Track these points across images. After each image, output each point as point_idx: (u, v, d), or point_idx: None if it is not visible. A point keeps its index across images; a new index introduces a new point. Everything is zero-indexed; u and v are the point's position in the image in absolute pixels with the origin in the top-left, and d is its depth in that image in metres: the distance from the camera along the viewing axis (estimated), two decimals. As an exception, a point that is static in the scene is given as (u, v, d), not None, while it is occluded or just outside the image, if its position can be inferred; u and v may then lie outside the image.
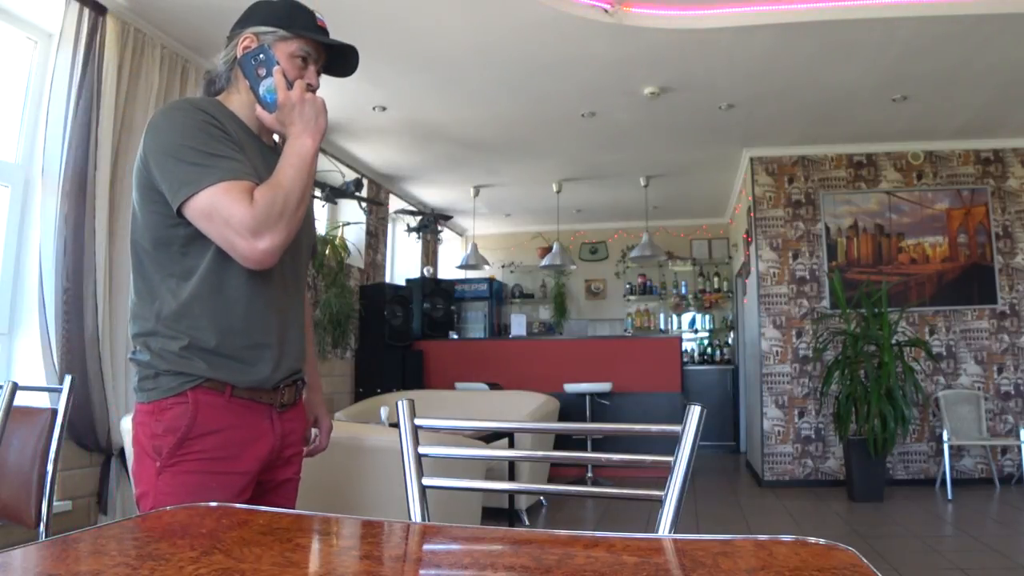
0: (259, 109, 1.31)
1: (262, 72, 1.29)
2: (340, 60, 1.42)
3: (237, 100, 1.35)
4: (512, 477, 3.97)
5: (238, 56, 1.32)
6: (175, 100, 1.33)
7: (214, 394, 1.24)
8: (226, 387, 1.25)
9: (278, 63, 1.29)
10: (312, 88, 1.33)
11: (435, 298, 7.39)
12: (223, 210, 1.15)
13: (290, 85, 1.28)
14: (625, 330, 8.83)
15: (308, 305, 1.66)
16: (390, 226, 7.19)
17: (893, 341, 5.15)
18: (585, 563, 0.62)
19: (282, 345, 1.33)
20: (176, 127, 1.20)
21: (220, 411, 1.25)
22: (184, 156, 1.17)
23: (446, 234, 8.76)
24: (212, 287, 1.24)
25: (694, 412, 0.92)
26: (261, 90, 1.29)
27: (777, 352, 5.77)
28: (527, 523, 4.30)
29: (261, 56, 1.29)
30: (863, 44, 4.02)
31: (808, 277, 5.83)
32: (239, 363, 1.26)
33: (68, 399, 1.67)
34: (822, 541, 0.65)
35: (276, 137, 1.44)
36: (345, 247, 5.93)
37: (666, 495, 0.91)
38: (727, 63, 4.27)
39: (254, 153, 1.30)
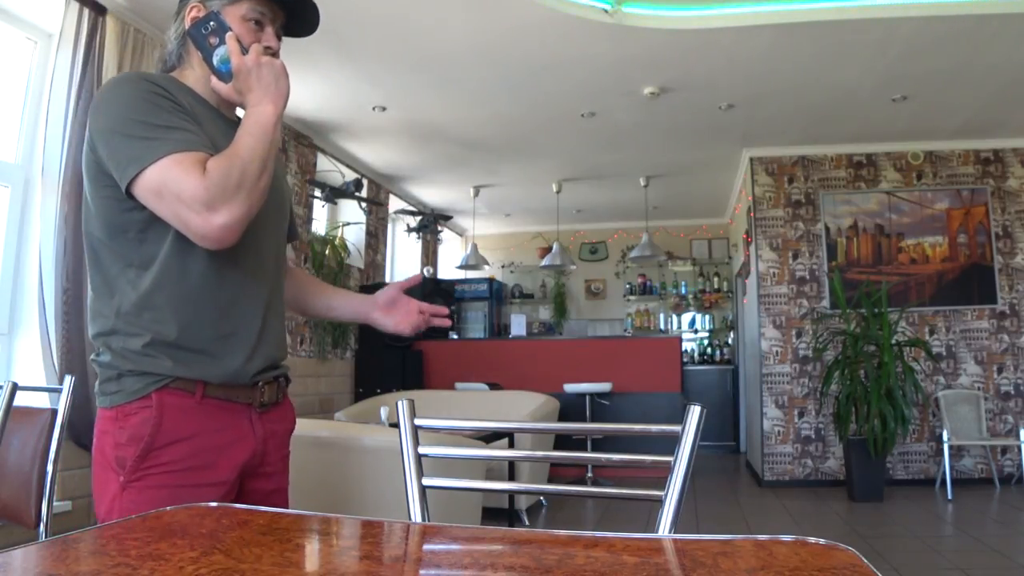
0: (215, 81, 1.20)
1: (214, 41, 1.18)
2: (299, 19, 1.31)
3: (192, 76, 1.25)
4: (512, 477, 3.97)
5: (187, 28, 1.22)
6: (121, 73, 1.24)
7: (182, 395, 1.13)
8: (197, 386, 1.14)
9: (231, 29, 1.18)
10: (272, 51, 1.22)
11: (435, 298, 7.39)
12: (173, 184, 1.04)
13: (246, 51, 1.17)
14: (625, 330, 8.83)
15: (301, 272, 1.57)
16: (390, 226, 7.20)
17: (893, 341, 5.15)
18: (585, 563, 0.62)
19: (257, 334, 1.21)
20: (121, 101, 1.10)
21: (189, 414, 1.14)
22: (131, 131, 1.07)
23: (446, 234, 8.76)
24: (174, 274, 1.13)
25: (694, 412, 0.92)
26: (215, 60, 1.18)
27: (777, 352, 5.77)
28: (527, 523, 4.29)
29: (211, 24, 1.18)
30: (863, 44, 4.02)
31: (808, 277, 5.83)
32: (207, 356, 1.15)
33: (68, 399, 1.67)
34: (822, 541, 0.65)
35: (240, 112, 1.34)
36: (345, 247, 5.93)
37: (666, 495, 0.91)
38: (727, 63, 4.27)
39: (214, 128, 1.20)
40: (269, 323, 1.25)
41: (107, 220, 1.13)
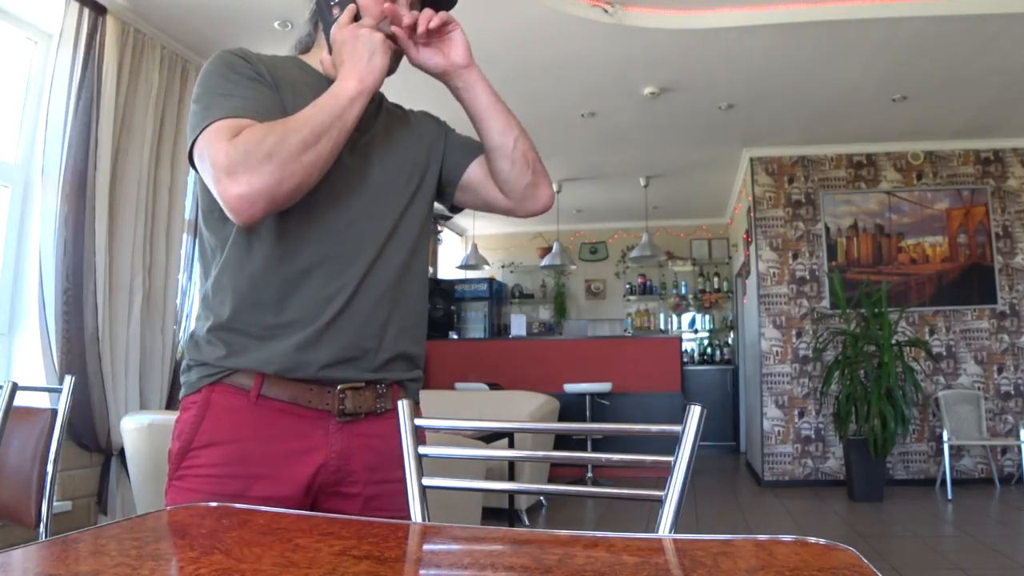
0: (324, 54, 1.11)
1: (336, 13, 1.09)
2: None
3: (319, 55, 1.15)
4: (512, 477, 3.97)
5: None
6: None
7: (235, 393, 1.03)
8: (253, 381, 1.02)
9: (355, 1, 1.09)
10: (401, 22, 1.09)
11: (435, 298, 7.40)
12: (207, 150, 0.96)
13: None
14: (625, 330, 8.83)
15: None
16: (390, 226, 7.19)
17: (893, 341, 5.15)
18: (585, 563, 0.62)
19: (329, 321, 1.04)
20: (202, 75, 1.05)
21: (238, 416, 1.02)
22: (198, 101, 1.01)
23: (446, 234, 8.76)
24: (240, 252, 1.04)
25: (694, 412, 0.92)
26: (329, 33, 1.09)
27: (777, 352, 5.77)
28: (527, 523, 4.29)
29: None
30: (863, 44, 4.03)
31: (808, 277, 5.83)
32: (264, 343, 1.03)
33: (68, 399, 1.67)
34: (822, 541, 0.65)
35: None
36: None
37: (666, 495, 0.91)
38: (727, 63, 4.27)
39: None
40: (354, 309, 1.06)
41: (201, 200, 1.08)
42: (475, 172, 1.25)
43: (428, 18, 1.10)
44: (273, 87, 1.06)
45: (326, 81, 1.06)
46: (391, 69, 1.11)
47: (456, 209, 1.33)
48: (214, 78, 1.03)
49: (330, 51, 1.09)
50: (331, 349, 1.04)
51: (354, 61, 1.03)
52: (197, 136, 0.98)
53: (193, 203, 3.76)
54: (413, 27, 1.10)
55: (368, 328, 1.08)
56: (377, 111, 1.20)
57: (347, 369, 1.06)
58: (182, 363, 1.09)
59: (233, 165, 0.93)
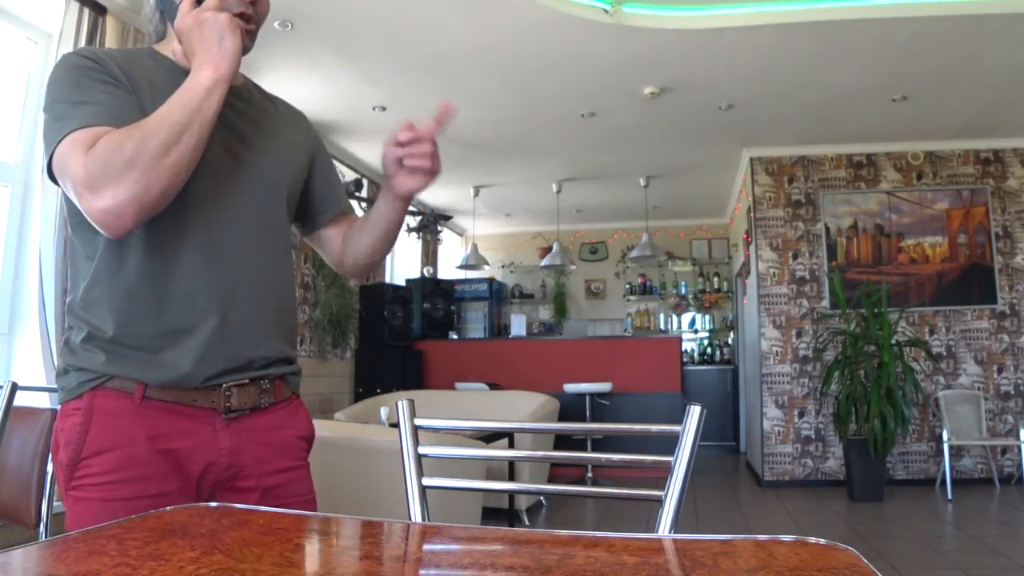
0: (175, 45, 1.08)
1: (179, 1, 1.03)
2: None
3: (171, 45, 1.11)
4: (512, 477, 3.97)
5: None
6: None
7: (118, 396, 1.00)
8: (136, 386, 1.00)
9: None
10: (247, 2, 1.06)
11: (435, 298, 7.40)
12: (65, 165, 0.92)
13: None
14: (625, 330, 8.83)
15: (353, 222, 1.33)
16: (390, 226, 7.18)
17: (893, 341, 5.15)
18: (585, 563, 0.62)
19: (212, 331, 1.04)
20: (51, 82, 1.00)
21: (123, 420, 0.99)
22: (51, 112, 0.97)
23: (446, 234, 8.76)
24: (111, 264, 1.02)
25: (694, 412, 0.92)
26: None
27: (777, 352, 5.77)
28: (527, 523, 4.29)
29: None
30: (863, 44, 4.03)
31: (808, 277, 5.83)
32: (148, 354, 1.01)
33: (68, 399, 1.67)
34: (822, 541, 0.65)
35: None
36: (345, 247, 5.92)
37: (666, 495, 0.91)
38: (727, 63, 4.27)
39: None
40: (236, 318, 1.06)
41: (68, 210, 1.04)
42: (331, 227, 1.33)
43: (417, 154, 1.14)
44: (129, 88, 1.01)
45: (183, 72, 1.01)
46: (246, 48, 1.07)
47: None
48: (65, 85, 0.98)
49: (180, 42, 1.03)
50: (216, 362, 1.04)
51: (204, 48, 0.98)
52: (53, 150, 0.94)
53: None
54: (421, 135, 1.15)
55: (251, 338, 1.08)
56: (247, 102, 1.17)
57: (231, 376, 1.06)
58: (58, 367, 1.07)
59: (93, 178, 0.90)
